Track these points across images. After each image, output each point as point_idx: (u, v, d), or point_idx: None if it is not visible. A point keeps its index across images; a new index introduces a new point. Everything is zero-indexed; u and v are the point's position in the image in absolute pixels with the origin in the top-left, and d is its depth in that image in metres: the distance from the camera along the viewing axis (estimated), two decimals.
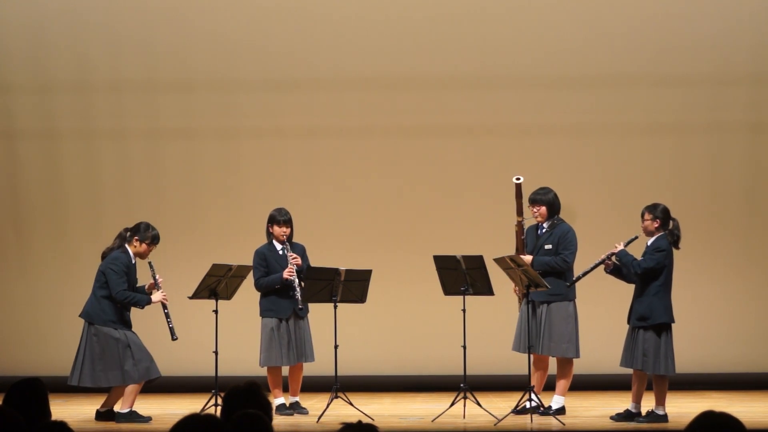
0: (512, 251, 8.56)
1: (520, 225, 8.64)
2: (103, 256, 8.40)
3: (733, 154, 10.83)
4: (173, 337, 8.24)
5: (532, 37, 10.80)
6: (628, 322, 8.15)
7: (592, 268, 8.19)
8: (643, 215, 8.18)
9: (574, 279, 8.28)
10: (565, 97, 10.82)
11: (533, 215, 8.60)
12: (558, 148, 10.86)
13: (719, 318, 10.75)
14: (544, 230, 8.61)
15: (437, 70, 10.82)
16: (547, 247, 8.51)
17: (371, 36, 10.86)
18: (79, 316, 8.35)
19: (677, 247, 8.13)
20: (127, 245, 8.35)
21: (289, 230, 8.73)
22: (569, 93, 10.81)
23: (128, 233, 8.39)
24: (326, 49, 10.86)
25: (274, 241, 8.76)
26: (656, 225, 8.12)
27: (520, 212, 8.62)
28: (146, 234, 8.36)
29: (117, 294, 8.20)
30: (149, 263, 8.37)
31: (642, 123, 10.83)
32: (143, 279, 8.51)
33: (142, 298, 8.31)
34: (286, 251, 8.71)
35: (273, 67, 10.88)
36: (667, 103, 10.80)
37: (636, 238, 8.19)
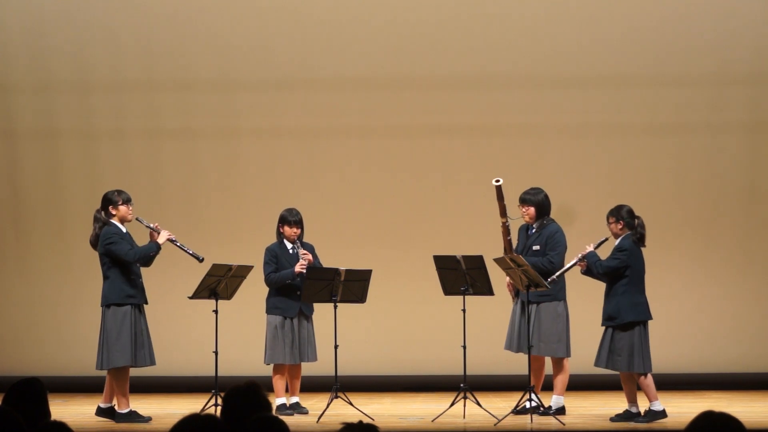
0: (501, 253, 8.58)
1: (504, 226, 8.65)
2: (93, 243, 8.39)
3: (733, 154, 10.84)
4: (199, 259, 8.29)
5: (532, 38, 10.80)
6: (602, 323, 8.21)
7: (567, 269, 8.31)
8: (607, 219, 8.26)
9: (549, 280, 8.28)
10: (565, 97, 10.82)
11: (522, 215, 8.61)
12: (558, 148, 10.86)
13: (719, 318, 10.75)
14: (533, 231, 8.62)
15: (437, 70, 10.82)
16: (536, 248, 8.53)
17: (371, 36, 10.86)
18: (100, 305, 8.31)
19: (643, 245, 8.18)
20: (110, 219, 8.35)
21: (299, 231, 8.75)
22: (569, 93, 10.81)
23: (102, 211, 8.37)
24: (326, 49, 10.86)
25: (285, 241, 8.78)
26: (620, 227, 8.22)
27: (503, 214, 8.63)
28: (117, 198, 8.34)
29: (127, 256, 8.18)
30: (137, 218, 8.38)
31: (642, 123, 10.83)
32: (141, 242, 8.49)
33: (151, 246, 8.31)
34: (296, 250, 8.73)
35: (273, 67, 10.88)
36: (667, 103, 10.80)
37: (606, 239, 8.29)
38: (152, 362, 8.37)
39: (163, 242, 8.31)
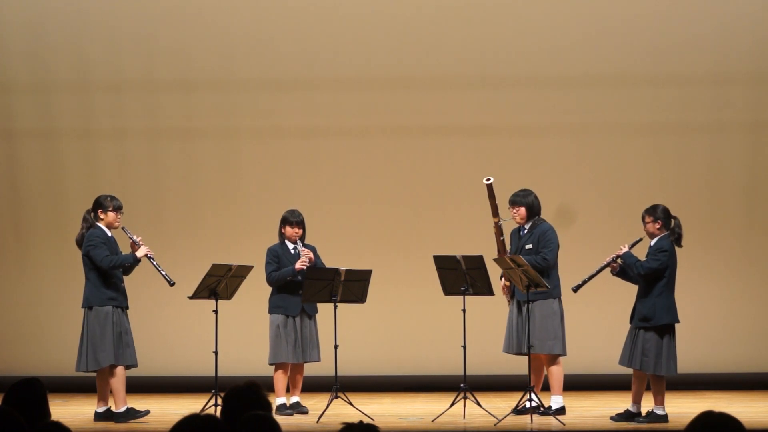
0: (495, 254, 8.58)
1: (497, 226, 8.65)
2: (78, 243, 8.41)
3: (733, 154, 10.83)
4: (170, 283, 8.25)
5: (532, 37, 10.80)
6: (631, 322, 8.14)
7: (598, 271, 8.16)
8: (643, 218, 8.18)
9: (580, 283, 8.19)
10: (565, 97, 10.82)
11: (512, 216, 8.62)
12: (558, 148, 10.86)
13: (719, 318, 10.75)
14: (525, 231, 8.63)
15: (437, 70, 10.82)
16: (528, 247, 8.53)
17: (371, 36, 10.86)
18: (81, 306, 8.33)
19: (680, 245, 8.13)
20: (97, 223, 8.36)
21: (301, 231, 8.77)
22: (569, 93, 10.81)
23: (91, 213, 8.40)
24: (326, 49, 10.86)
25: (287, 241, 8.79)
26: (658, 226, 8.12)
27: (495, 213, 8.63)
28: (107, 203, 8.38)
29: (102, 262, 8.20)
30: (123, 228, 8.40)
31: (642, 123, 10.83)
32: (125, 250, 8.48)
33: (128, 257, 8.32)
34: (298, 250, 8.74)
35: (273, 67, 10.88)
36: (667, 103, 10.80)
37: (640, 240, 8.21)
38: (134, 363, 8.36)
39: (140, 256, 8.33)
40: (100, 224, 8.37)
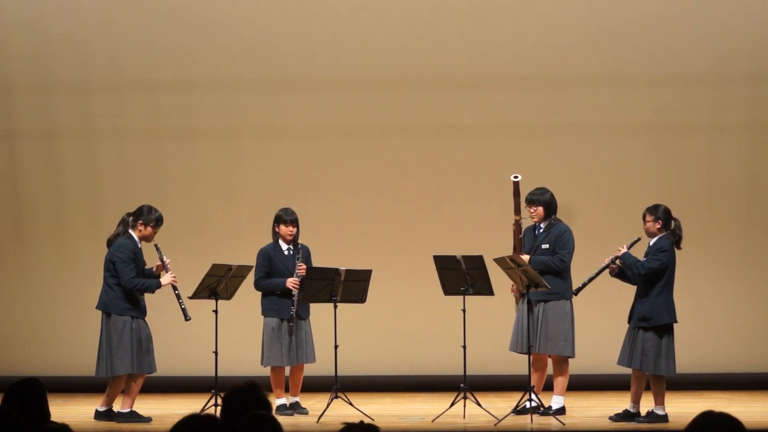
0: (511, 250, 8.57)
1: (517, 224, 8.64)
2: (108, 243, 8.37)
3: (733, 154, 10.83)
4: (186, 317, 8.23)
5: (532, 37, 10.80)
6: (629, 322, 8.14)
7: (597, 274, 8.16)
8: (644, 217, 8.17)
9: (579, 286, 8.22)
10: (565, 97, 10.82)
11: (530, 215, 8.61)
12: (558, 148, 10.86)
13: (719, 318, 10.75)
14: (541, 230, 8.61)
15: (437, 70, 10.82)
16: (545, 246, 8.51)
17: (371, 36, 10.86)
18: (96, 308, 8.32)
19: (679, 247, 8.13)
20: (131, 230, 8.34)
21: (295, 230, 8.74)
22: (569, 93, 10.81)
23: (131, 218, 8.36)
24: (326, 49, 10.86)
25: (280, 241, 8.77)
26: (658, 226, 8.11)
27: (517, 211, 8.61)
28: (150, 217, 8.33)
29: (126, 282, 8.18)
30: (155, 246, 8.35)
31: (642, 123, 10.83)
32: (151, 261, 8.48)
33: (152, 283, 8.29)
34: (291, 252, 8.71)
35: (273, 67, 10.88)
36: (667, 103, 10.80)
37: (638, 240, 8.20)
38: (153, 370, 8.36)
39: (165, 284, 8.31)
40: (134, 234, 8.33)
